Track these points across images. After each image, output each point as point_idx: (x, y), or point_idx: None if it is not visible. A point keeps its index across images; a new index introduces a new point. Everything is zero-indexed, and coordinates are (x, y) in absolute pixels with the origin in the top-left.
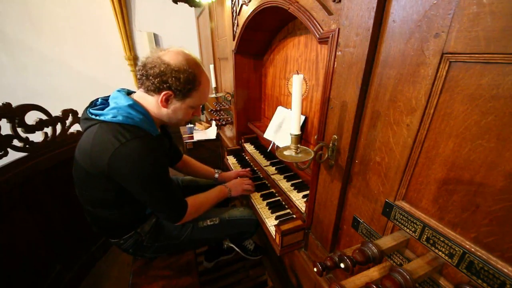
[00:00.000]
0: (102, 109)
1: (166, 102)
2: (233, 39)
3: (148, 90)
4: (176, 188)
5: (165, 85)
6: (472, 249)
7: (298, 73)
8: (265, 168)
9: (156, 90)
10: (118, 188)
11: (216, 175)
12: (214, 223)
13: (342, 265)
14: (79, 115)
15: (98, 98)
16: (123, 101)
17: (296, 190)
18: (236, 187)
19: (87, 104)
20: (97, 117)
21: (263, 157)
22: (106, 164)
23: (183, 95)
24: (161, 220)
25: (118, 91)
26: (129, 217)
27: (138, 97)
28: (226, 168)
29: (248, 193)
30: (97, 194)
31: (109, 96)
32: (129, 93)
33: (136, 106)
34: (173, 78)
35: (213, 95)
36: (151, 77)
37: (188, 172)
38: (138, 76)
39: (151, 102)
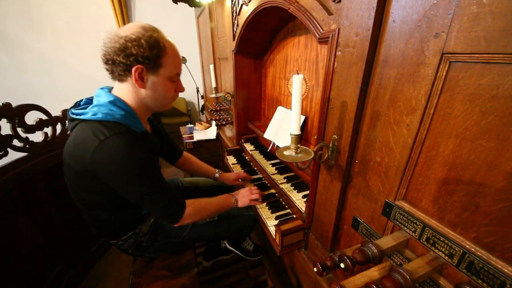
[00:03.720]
0: (85, 108)
1: (141, 80)
2: (233, 39)
3: (120, 77)
4: (171, 187)
5: (131, 58)
6: (472, 249)
7: (298, 73)
8: (265, 168)
9: (127, 70)
10: (109, 189)
11: (217, 175)
12: (213, 219)
13: (342, 265)
14: None
15: (82, 99)
16: (105, 98)
17: (296, 190)
18: (243, 198)
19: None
20: (78, 117)
21: (263, 157)
22: (89, 164)
23: (154, 65)
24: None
25: (101, 88)
26: (126, 219)
27: (117, 91)
28: (226, 168)
29: (255, 203)
30: (91, 197)
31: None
32: (112, 90)
33: (117, 102)
34: (136, 47)
35: (213, 95)
36: (115, 57)
37: (189, 169)
38: (106, 67)
39: (129, 91)
